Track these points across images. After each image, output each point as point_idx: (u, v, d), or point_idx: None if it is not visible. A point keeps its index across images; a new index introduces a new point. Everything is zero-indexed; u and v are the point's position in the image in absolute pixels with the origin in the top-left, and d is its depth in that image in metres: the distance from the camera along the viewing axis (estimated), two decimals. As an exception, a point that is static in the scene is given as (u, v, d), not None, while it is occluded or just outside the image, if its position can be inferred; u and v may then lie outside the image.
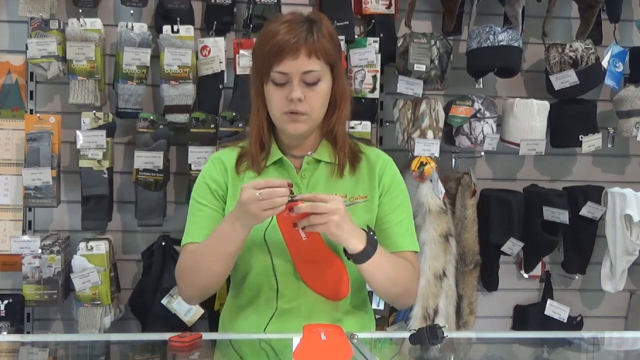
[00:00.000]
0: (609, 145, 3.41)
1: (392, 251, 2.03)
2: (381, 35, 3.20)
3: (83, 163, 2.99)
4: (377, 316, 3.14)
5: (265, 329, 2.00)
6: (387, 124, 3.29)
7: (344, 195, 2.02)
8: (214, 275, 1.98)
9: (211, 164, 2.09)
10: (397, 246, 2.05)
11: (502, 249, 3.28)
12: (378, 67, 3.16)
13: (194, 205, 2.07)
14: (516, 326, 3.46)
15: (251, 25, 3.09)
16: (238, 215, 1.87)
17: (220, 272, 1.98)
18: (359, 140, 2.17)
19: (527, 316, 3.45)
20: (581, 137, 3.27)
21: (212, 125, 3.04)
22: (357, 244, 1.88)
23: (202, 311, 3.03)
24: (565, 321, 3.38)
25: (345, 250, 1.92)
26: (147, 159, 2.99)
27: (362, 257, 1.89)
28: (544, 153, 3.26)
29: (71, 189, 3.14)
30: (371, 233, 1.92)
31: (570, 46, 3.21)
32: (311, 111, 1.96)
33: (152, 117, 3.03)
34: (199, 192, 2.07)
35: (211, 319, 3.04)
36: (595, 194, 3.36)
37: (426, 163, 3.07)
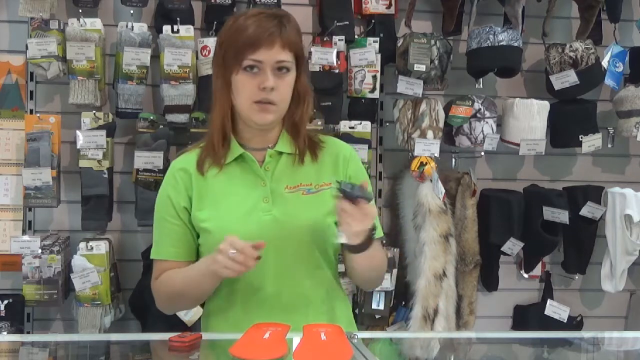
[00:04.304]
0: (609, 145, 3.41)
1: None
2: (381, 35, 3.20)
3: (83, 163, 2.99)
4: (377, 316, 3.15)
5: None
6: (387, 124, 3.29)
7: (309, 184, 2.04)
8: (191, 303, 2.21)
9: (171, 177, 2.08)
10: None
11: (502, 249, 3.28)
12: (378, 67, 3.16)
13: (158, 218, 2.09)
14: (516, 326, 3.46)
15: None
16: (213, 261, 1.89)
17: (198, 301, 2.14)
18: (317, 132, 2.20)
19: (527, 316, 3.45)
20: (581, 137, 3.27)
21: (212, 125, 3.04)
22: (359, 239, 1.93)
23: (202, 311, 3.02)
24: (565, 321, 3.38)
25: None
26: (147, 159, 2.99)
27: (361, 248, 1.94)
28: (544, 153, 3.26)
29: (71, 189, 3.13)
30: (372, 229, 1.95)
31: (570, 46, 3.21)
32: (280, 101, 1.98)
33: (152, 117, 3.03)
34: (162, 207, 2.07)
35: (211, 319, 3.04)
36: (595, 194, 3.36)
37: (426, 163, 3.07)
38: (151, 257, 2.10)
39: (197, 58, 3.07)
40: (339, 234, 1.91)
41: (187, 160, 2.09)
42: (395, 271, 3.15)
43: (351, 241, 1.92)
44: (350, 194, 1.86)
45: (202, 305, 2.99)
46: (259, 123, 2.00)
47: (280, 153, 2.06)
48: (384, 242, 2.97)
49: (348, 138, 2.99)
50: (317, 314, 2.03)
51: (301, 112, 2.05)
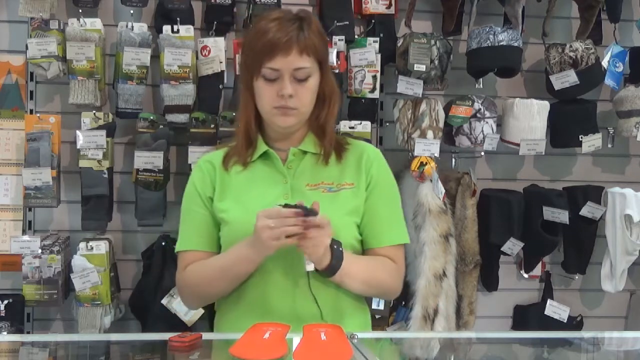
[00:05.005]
0: (609, 145, 3.41)
1: (378, 246, 2.07)
2: (381, 35, 3.20)
3: (83, 163, 2.99)
4: (377, 316, 3.15)
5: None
6: (387, 124, 3.29)
7: (331, 183, 2.05)
8: (221, 292, 2.08)
9: (198, 168, 2.13)
10: (381, 242, 2.08)
11: (502, 249, 3.28)
12: (378, 67, 3.16)
13: (185, 211, 2.12)
14: (516, 326, 3.46)
15: (251, 25, 3.09)
16: (254, 242, 1.90)
17: (227, 290, 2.05)
18: (348, 137, 2.20)
19: (527, 316, 3.45)
20: (581, 137, 3.27)
21: (212, 125, 3.04)
22: (324, 262, 1.93)
23: (202, 311, 3.02)
24: (565, 321, 3.38)
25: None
26: (147, 159, 3.00)
27: (328, 272, 1.94)
28: (544, 153, 3.26)
29: (71, 189, 3.13)
30: (335, 246, 1.94)
31: (570, 46, 3.21)
32: (301, 106, 1.99)
33: (152, 117, 3.03)
34: (190, 198, 2.12)
35: (211, 319, 3.03)
36: (595, 194, 3.36)
37: (426, 163, 3.07)
38: (176, 250, 2.13)
39: (197, 58, 3.07)
40: (307, 262, 1.92)
41: (214, 155, 2.13)
42: (395, 271, 3.15)
43: (318, 266, 1.92)
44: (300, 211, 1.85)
45: (203, 307, 3.01)
46: (281, 126, 2.02)
47: (305, 152, 2.07)
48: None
49: (348, 138, 2.99)
50: (328, 312, 2.01)
51: (326, 113, 2.06)
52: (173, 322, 3.00)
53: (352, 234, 2.05)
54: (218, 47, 3.07)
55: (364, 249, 2.09)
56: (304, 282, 1.99)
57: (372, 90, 3.16)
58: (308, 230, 1.86)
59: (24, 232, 3.11)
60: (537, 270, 3.48)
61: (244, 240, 1.95)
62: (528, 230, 3.30)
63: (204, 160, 2.13)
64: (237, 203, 2.03)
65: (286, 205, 1.87)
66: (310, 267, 1.93)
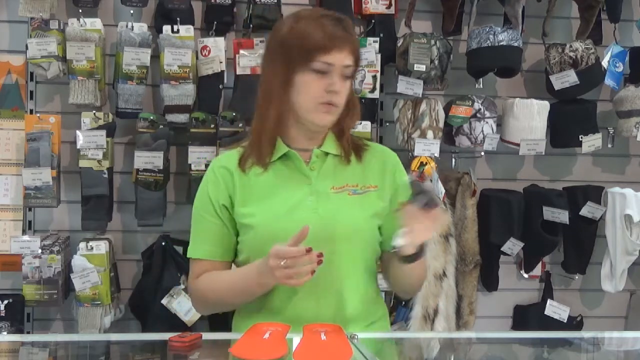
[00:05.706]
0: (609, 145, 3.41)
1: None
2: (381, 35, 3.20)
3: (83, 163, 3.00)
4: (377, 316, 3.15)
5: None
6: (387, 124, 3.29)
7: (355, 185, 2.03)
8: (234, 306, 2.10)
9: (212, 173, 2.06)
10: None
11: (502, 249, 3.28)
12: (378, 67, 3.16)
13: (197, 216, 2.07)
14: (516, 326, 3.46)
15: (251, 25, 3.09)
16: (268, 275, 1.87)
17: (240, 305, 2.06)
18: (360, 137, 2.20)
19: (527, 316, 3.45)
20: (581, 137, 3.27)
21: (212, 125, 3.04)
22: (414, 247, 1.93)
23: (202, 311, 3.03)
24: (565, 321, 3.38)
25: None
26: (147, 159, 3.00)
27: (410, 258, 1.92)
28: (544, 153, 3.26)
29: (71, 189, 3.14)
30: None
31: (570, 46, 3.21)
32: (341, 104, 1.99)
33: (152, 117, 3.03)
34: (201, 204, 2.05)
35: (211, 319, 3.04)
36: (595, 194, 3.36)
37: (426, 163, 3.07)
38: (187, 255, 2.08)
39: (197, 58, 3.07)
40: (398, 237, 1.88)
41: (228, 158, 2.06)
42: (395, 271, 3.15)
43: (407, 250, 1.90)
44: (422, 199, 1.83)
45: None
46: (319, 124, 1.99)
47: (327, 154, 2.04)
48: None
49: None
50: (351, 312, 2.01)
51: (351, 116, 2.05)
52: (173, 322, 3.00)
53: (377, 237, 2.04)
54: (218, 47, 3.07)
55: (382, 251, 2.07)
56: (337, 272, 1.97)
57: (372, 90, 3.16)
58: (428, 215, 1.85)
59: (24, 232, 3.11)
60: (537, 270, 3.48)
61: (256, 265, 1.92)
62: (528, 230, 3.30)
63: (217, 165, 2.06)
64: (261, 207, 1.98)
65: (416, 180, 1.86)
66: (400, 242, 1.89)
